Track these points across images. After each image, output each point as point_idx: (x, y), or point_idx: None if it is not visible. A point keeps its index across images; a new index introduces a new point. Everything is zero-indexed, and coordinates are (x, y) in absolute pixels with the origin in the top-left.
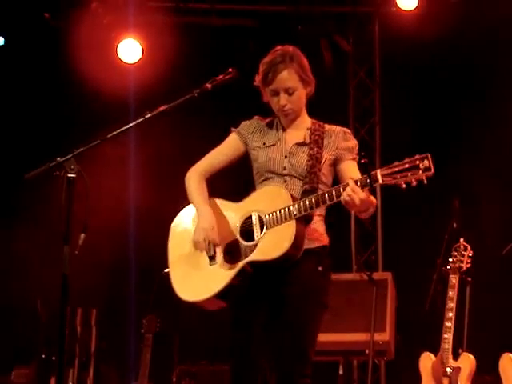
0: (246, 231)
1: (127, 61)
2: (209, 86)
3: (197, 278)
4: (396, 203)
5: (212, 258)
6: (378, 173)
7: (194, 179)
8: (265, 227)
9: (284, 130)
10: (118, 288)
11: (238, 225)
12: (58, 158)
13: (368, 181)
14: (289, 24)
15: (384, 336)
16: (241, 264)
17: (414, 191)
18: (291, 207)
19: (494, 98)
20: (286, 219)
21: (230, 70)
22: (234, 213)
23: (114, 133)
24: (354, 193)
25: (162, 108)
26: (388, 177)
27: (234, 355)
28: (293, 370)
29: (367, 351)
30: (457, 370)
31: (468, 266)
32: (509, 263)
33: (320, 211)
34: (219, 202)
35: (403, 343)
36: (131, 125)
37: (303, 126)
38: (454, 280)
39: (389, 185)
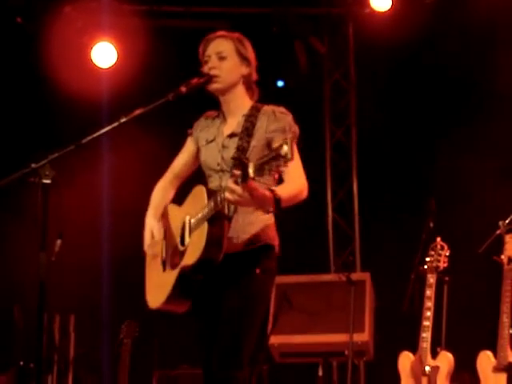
0: (182, 235)
1: (101, 65)
2: (183, 89)
3: (154, 285)
4: (372, 203)
5: (163, 264)
6: (250, 167)
7: (154, 192)
8: (192, 231)
9: (225, 119)
10: (94, 294)
11: (179, 229)
12: (33, 165)
13: (243, 176)
14: (263, 26)
15: (363, 336)
16: (176, 270)
17: (390, 191)
18: (205, 207)
19: (469, 96)
20: (202, 220)
21: (206, 73)
22: (178, 217)
23: (89, 138)
24: (230, 190)
25: (137, 112)
26: (258, 169)
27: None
28: (223, 370)
29: (346, 352)
30: (435, 369)
31: (445, 265)
32: (486, 261)
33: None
34: (170, 207)
35: (382, 343)
36: (106, 129)
37: (240, 113)
38: (431, 279)
39: (260, 176)
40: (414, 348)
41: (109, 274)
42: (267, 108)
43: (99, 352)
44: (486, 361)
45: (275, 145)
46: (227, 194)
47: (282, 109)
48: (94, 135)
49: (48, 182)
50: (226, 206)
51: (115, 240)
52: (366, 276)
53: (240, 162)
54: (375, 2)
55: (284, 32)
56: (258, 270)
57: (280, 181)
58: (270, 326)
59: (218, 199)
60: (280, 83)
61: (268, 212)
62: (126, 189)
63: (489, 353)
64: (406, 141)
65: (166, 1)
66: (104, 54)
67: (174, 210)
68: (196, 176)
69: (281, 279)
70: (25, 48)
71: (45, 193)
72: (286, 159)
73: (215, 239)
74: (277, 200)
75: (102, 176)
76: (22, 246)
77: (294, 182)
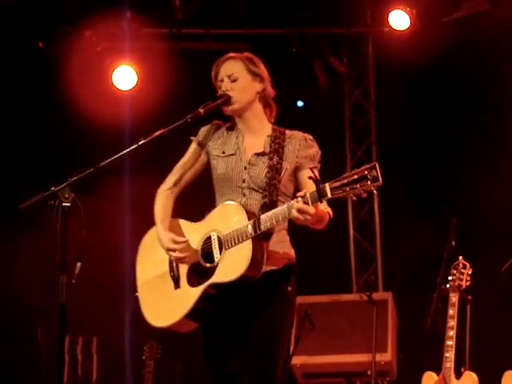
0: (207, 252)
1: (122, 88)
2: (201, 110)
3: (163, 303)
4: (394, 222)
5: (176, 282)
6: (327, 187)
7: (158, 200)
8: (223, 248)
9: (244, 136)
10: (117, 315)
11: (200, 246)
12: (53, 188)
13: (317, 196)
14: (283, 46)
15: (386, 356)
16: (202, 287)
17: (412, 209)
18: (248, 226)
19: (489, 115)
20: (242, 239)
21: (223, 94)
22: (195, 233)
23: (108, 160)
24: (302, 211)
25: (156, 134)
26: (337, 190)
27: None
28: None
29: (369, 372)
30: None
31: (468, 283)
32: (509, 279)
33: (283, 225)
34: (182, 222)
35: (405, 363)
36: (125, 152)
37: (263, 133)
38: (454, 298)
39: (339, 198)
40: (437, 368)
41: (131, 295)
42: (296, 133)
43: (122, 373)
44: (511, 381)
45: (363, 167)
46: (297, 214)
47: (311, 136)
48: (113, 158)
49: (67, 204)
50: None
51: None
52: (388, 295)
53: (316, 182)
54: (394, 21)
55: (303, 52)
56: (289, 288)
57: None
58: (292, 347)
59: (273, 218)
60: (300, 103)
61: (318, 228)
62: (148, 211)
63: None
64: (427, 158)
65: (186, 23)
66: (125, 77)
67: (186, 225)
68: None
69: (303, 299)
70: (46, 72)
71: (64, 215)
72: (376, 183)
73: (258, 258)
74: (330, 218)
75: (125, 198)
76: (45, 267)
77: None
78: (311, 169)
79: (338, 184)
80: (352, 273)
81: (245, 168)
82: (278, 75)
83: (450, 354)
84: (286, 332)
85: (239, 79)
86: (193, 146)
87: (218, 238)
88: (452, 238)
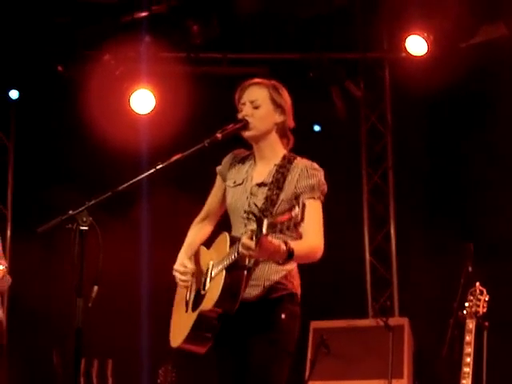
0: (205, 280)
1: (140, 111)
2: (219, 135)
3: (177, 325)
4: (410, 247)
5: (187, 305)
6: (264, 224)
7: (191, 229)
8: (212, 277)
9: (256, 165)
10: (132, 338)
11: (204, 273)
12: (70, 211)
13: (258, 232)
14: (299, 71)
15: (402, 382)
16: (196, 313)
17: (429, 235)
18: (226, 256)
19: (508, 140)
20: (221, 269)
21: (242, 119)
22: (205, 260)
23: (126, 184)
24: (244, 245)
25: (173, 158)
26: (271, 226)
27: None
28: None
29: None
30: None
31: (484, 310)
32: None
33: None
34: (202, 249)
35: None
36: (143, 176)
37: (272, 162)
38: (470, 325)
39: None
40: None
41: (147, 318)
42: (300, 162)
43: None
44: None
45: (292, 207)
46: (241, 249)
47: (315, 165)
48: (131, 182)
49: (85, 228)
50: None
51: (153, 285)
52: (404, 321)
53: (255, 217)
54: (411, 47)
55: (320, 77)
56: (283, 315)
57: None
58: (307, 372)
59: (234, 250)
60: (317, 127)
61: (278, 264)
62: (165, 235)
63: None
64: (444, 184)
65: (204, 47)
66: (142, 101)
67: (204, 252)
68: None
69: (318, 324)
70: (65, 96)
71: (82, 239)
72: (296, 221)
73: (231, 289)
74: (290, 254)
75: (141, 222)
76: (61, 290)
77: (310, 241)
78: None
79: (272, 221)
80: (368, 298)
81: (247, 198)
82: (295, 99)
83: (466, 381)
84: (280, 360)
85: (261, 107)
86: (217, 181)
87: (212, 266)
88: (469, 264)
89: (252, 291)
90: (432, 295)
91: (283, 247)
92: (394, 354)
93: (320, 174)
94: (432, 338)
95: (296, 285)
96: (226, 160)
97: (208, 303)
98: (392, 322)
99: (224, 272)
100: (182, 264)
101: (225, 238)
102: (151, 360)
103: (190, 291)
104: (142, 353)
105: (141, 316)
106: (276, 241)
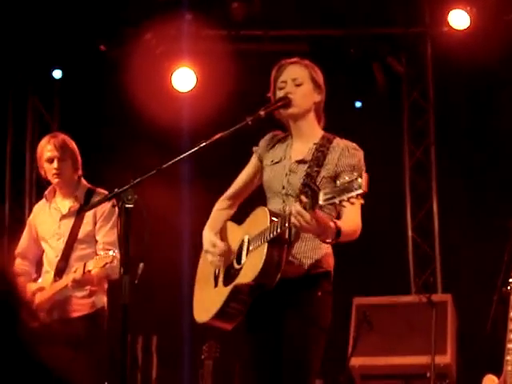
0: (240, 254)
1: (181, 89)
2: (262, 113)
3: (204, 300)
4: (453, 223)
5: (216, 280)
6: (320, 195)
7: (216, 207)
8: (250, 251)
9: (293, 143)
10: (176, 315)
11: (236, 247)
12: (116, 189)
13: (311, 203)
14: (341, 47)
15: (445, 359)
16: (229, 287)
17: (472, 211)
18: (266, 229)
19: None
20: (262, 242)
21: (285, 97)
22: (236, 235)
23: (170, 162)
24: (298, 215)
25: (216, 136)
26: (328, 198)
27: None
28: None
29: (428, 374)
30: None
31: None
32: None
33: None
34: (229, 225)
35: (465, 366)
36: (187, 154)
37: (311, 140)
38: None
39: (330, 205)
40: (498, 371)
41: (190, 295)
42: (340, 142)
43: (181, 373)
44: None
45: (348, 177)
46: (294, 219)
47: (355, 145)
48: (175, 160)
49: (130, 206)
50: (287, 231)
51: (195, 262)
52: (447, 297)
53: (311, 189)
54: (454, 21)
55: (362, 53)
56: (319, 293)
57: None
58: (350, 348)
59: (281, 223)
60: (358, 104)
61: (325, 242)
62: (207, 213)
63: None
64: (487, 158)
65: (244, 25)
66: (184, 79)
67: (232, 227)
68: (258, 194)
69: (361, 300)
70: (106, 74)
71: (127, 217)
72: (359, 192)
73: (273, 262)
74: (338, 232)
75: (184, 199)
76: None
77: (353, 221)
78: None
79: (329, 192)
80: (411, 274)
81: (286, 175)
82: (337, 76)
83: (510, 357)
84: (315, 336)
85: (303, 85)
86: (253, 160)
87: (248, 240)
88: None
89: (289, 268)
90: (475, 271)
91: (332, 224)
92: (437, 330)
93: (360, 155)
94: (476, 315)
95: (331, 263)
96: (264, 141)
97: (246, 277)
98: (435, 298)
99: (266, 245)
100: (212, 243)
101: (264, 212)
102: (195, 336)
103: (220, 267)
104: (185, 329)
105: (184, 292)
106: (327, 216)
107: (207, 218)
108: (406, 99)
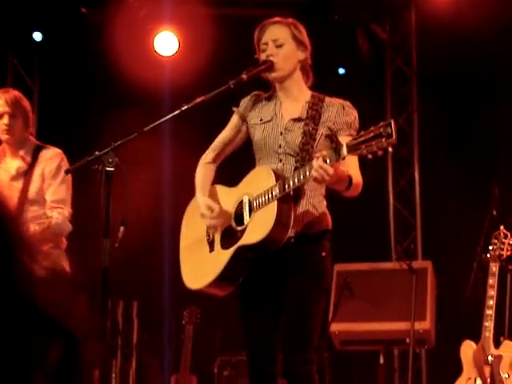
0: (239, 215)
1: (164, 53)
2: (244, 76)
3: (199, 266)
4: (434, 191)
5: (211, 245)
6: (344, 146)
7: (199, 169)
8: (253, 210)
9: (282, 103)
10: (157, 280)
11: (233, 209)
12: (96, 152)
13: (335, 155)
14: (325, 14)
15: (424, 324)
16: (232, 250)
17: (452, 178)
18: (274, 187)
19: None
20: (269, 200)
21: (267, 60)
22: (230, 197)
23: (151, 125)
24: (320, 169)
25: (198, 100)
26: (353, 148)
27: (248, 344)
28: (295, 356)
29: (408, 340)
30: (498, 358)
31: (508, 253)
32: None
33: (320, 191)
34: (219, 188)
35: (444, 332)
36: (168, 117)
37: (301, 99)
38: (494, 268)
39: (355, 155)
40: (476, 337)
41: (171, 260)
42: (333, 100)
43: (162, 338)
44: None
45: (380, 124)
46: (315, 173)
47: (350, 103)
48: (156, 123)
49: (111, 169)
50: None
51: (177, 226)
52: (427, 264)
53: (333, 141)
54: None
55: (345, 19)
56: (324, 253)
57: None
58: (330, 314)
59: (298, 176)
60: (341, 70)
61: (337, 190)
62: (187, 177)
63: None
64: (468, 128)
65: None
66: (166, 43)
67: (223, 190)
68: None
69: (342, 267)
70: (88, 37)
71: (108, 180)
72: (390, 140)
73: (283, 219)
74: (350, 181)
75: (165, 163)
76: (86, 232)
77: (357, 176)
78: (330, 129)
79: (354, 142)
80: (391, 241)
81: (281, 133)
82: (320, 42)
83: (489, 324)
84: (322, 294)
85: (284, 45)
86: (234, 119)
87: (249, 201)
88: (493, 208)
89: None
90: (455, 238)
91: (346, 172)
92: (417, 296)
93: (355, 113)
94: (455, 282)
95: (330, 221)
96: (246, 100)
97: (253, 236)
98: (415, 264)
99: (276, 203)
100: (208, 207)
101: (266, 170)
102: (176, 301)
103: (216, 231)
104: (166, 294)
105: (165, 258)
106: (342, 166)
107: (189, 182)
108: (389, 66)
